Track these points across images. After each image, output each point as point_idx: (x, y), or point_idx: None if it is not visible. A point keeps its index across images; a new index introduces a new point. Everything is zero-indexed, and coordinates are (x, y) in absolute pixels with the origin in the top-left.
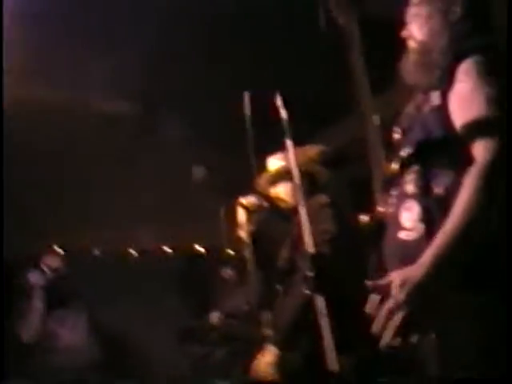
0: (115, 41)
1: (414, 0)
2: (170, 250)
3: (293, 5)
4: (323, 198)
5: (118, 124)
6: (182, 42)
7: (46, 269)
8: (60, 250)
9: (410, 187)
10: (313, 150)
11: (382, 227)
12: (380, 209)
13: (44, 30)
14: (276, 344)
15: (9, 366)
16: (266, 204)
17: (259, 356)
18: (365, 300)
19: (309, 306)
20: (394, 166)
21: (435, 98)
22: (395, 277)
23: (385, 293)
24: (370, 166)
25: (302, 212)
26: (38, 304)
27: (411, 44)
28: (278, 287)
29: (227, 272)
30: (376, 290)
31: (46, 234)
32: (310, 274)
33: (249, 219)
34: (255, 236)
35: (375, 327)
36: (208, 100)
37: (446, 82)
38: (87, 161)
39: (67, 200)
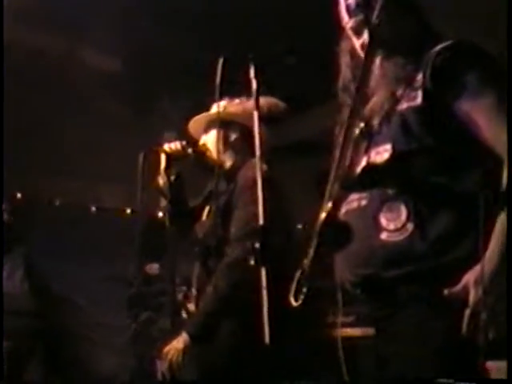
0: None
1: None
2: (128, 211)
3: None
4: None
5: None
6: None
7: None
8: (18, 194)
9: (391, 190)
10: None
11: (345, 226)
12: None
13: None
14: (188, 333)
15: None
16: (191, 152)
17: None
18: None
19: (231, 297)
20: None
21: (417, 97)
22: (469, 278)
23: (464, 295)
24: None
25: (259, 182)
26: None
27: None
28: (209, 264)
29: None
30: (454, 296)
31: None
32: (257, 245)
33: (169, 167)
34: (174, 188)
35: (465, 330)
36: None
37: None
38: (64, 110)
39: (39, 147)
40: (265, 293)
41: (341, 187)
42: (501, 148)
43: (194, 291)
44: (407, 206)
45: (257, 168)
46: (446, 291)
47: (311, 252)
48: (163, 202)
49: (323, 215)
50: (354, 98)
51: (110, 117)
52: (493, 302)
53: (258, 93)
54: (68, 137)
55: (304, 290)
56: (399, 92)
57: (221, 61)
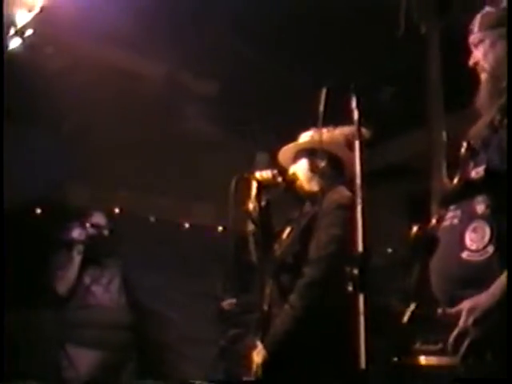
0: None
1: (475, 27)
2: (220, 228)
3: (371, 6)
4: (344, 193)
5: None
6: None
7: (88, 225)
8: (116, 209)
9: (480, 207)
10: (346, 131)
11: (434, 241)
12: (434, 222)
13: None
14: (266, 349)
15: (45, 316)
16: (281, 181)
17: (253, 353)
18: None
19: (306, 320)
20: (460, 182)
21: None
22: (465, 304)
23: (454, 319)
24: (430, 181)
25: (358, 208)
26: (76, 258)
27: (479, 71)
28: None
29: None
30: (446, 317)
31: (106, 191)
32: (356, 271)
33: (259, 193)
34: (263, 214)
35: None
36: None
37: None
38: (162, 131)
39: (137, 165)
40: (362, 319)
41: (440, 204)
42: None
43: (265, 307)
44: (491, 228)
45: (338, 200)
46: (439, 310)
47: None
48: (250, 226)
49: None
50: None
51: (204, 137)
52: (477, 335)
53: (360, 122)
54: (164, 156)
55: (412, 307)
56: (498, 119)
57: (324, 90)
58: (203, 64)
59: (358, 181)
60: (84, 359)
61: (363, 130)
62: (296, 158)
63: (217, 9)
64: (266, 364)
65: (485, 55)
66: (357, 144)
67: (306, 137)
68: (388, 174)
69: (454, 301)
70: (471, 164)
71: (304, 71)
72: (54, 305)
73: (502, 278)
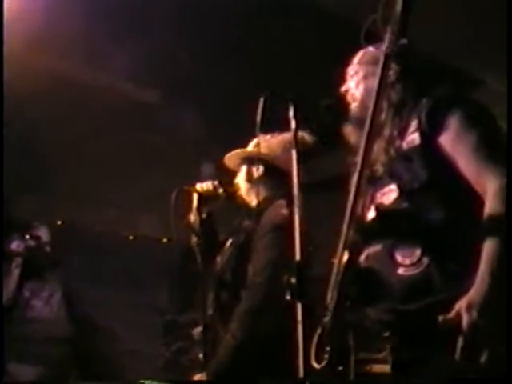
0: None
1: (355, 59)
2: (165, 240)
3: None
4: (280, 211)
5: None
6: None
7: (28, 237)
8: (58, 221)
9: (404, 226)
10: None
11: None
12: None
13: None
14: (208, 375)
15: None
16: (221, 192)
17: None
18: None
19: (248, 347)
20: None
21: (416, 139)
22: (461, 304)
23: (455, 322)
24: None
25: (296, 216)
26: (15, 271)
27: (349, 99)
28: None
29: None
30: (447, 322)
31: (50, 203)
32: (293, 280)
33: (200, 205)
34: (205, 225)
35: (457, 353)
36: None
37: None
38: (104, 140)
39: (79, 176)
40: (300, 327)
41: (356, 237)
42: (480, 187)
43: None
44: (420, 243)
45: (294, 204)
46: (440, 318)
47: (331, 308)
48: (193, 238)
49: (341, 267)
50: (364, 149)
51: (149, 148)
52: (486, 325)
53: (297, 131)
54: (107, 166)
55: (327, 349)
56: (395, 139)
57: (262, 99)
58: (146, 72)
59: (295, 190)
60: (26, 376)
61: (304, 136)
62: (240, 165)
63: (159, 15)
64: None
65: (357, 85)
66: (293, 153)
67: (250, 145)
68: (333, 186)
69: (399, 316)
70: (376, 188)
71: (248, 79)
72: None
73: (482, 269)
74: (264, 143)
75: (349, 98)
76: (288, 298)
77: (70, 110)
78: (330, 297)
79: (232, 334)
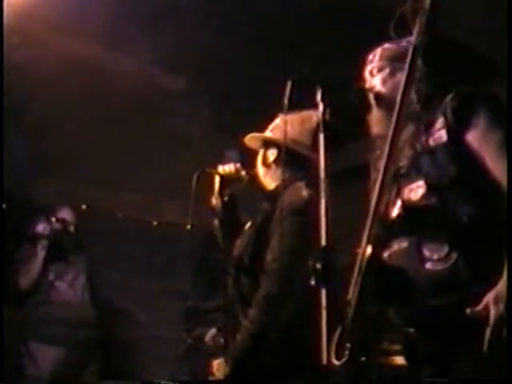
0: None
1: (372, 57)
2: (189, 226)
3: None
4: (300, 193)
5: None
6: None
7: (54, 220)
8: (83, 206)
9: (432, 222)
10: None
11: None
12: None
13: None
14: (227, 362)
15: (7, 312)
16: (244, 175)
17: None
18: None
19: (267, 335)
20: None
21: (443, 136)
22: (489, 297)
23: (483, 315)
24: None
25: (322, 201)
26: (40, 253)
27: (374, 96)
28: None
29: None
30: (475, 315)
31: (73, 187)
32: (318, 265)
33: (222, 188)
34: (227, 208)
35: (485, 346)
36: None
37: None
38: (130, 125)
39: (104, 161)
40: (324, 313)
41: (380, 232)
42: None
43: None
44: (448, 238)
45: (321, 189)
46: (468, 310)
47: (353, 303)
48: (215, 222)
49: (364, 262)
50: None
51: (174, 134)
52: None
53: (324, 115)
54: (133, 151)
55: (347, 345)
56: (422, 134)
57: (289, 83)
58: (172, 58)
59: (322, 174)
60: (46, 356)
61: (333, 121)
62: (259, 148)
63: (185, 2)
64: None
65: (383, 82)
66: (321, 137)
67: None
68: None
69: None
70: (402, 185)
71: (273, 65)
72: (16, 300)
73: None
74: (282, 126)
75: (373, 94)
76: (312, 283)
77: (94, 94)
78: (352, 292)
79: (250, 320)
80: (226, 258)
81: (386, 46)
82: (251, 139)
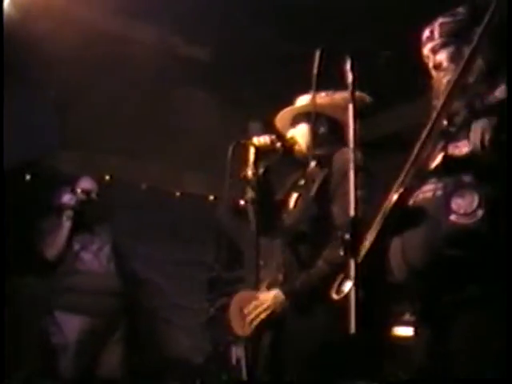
0: None
1: (429, 34)
2: (211, 197)
3: None
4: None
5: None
6: None
7: (79, 190)
8: (106, 176)
9: (467, 178)
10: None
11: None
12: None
13: None
14: (285, 295)
15: (33, 281)
16: (279, 146)
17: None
18: None
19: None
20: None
21: (500, 92)
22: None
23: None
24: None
25: (351, 172)
26: (65, 224)
27: (441, 72)
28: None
29: None
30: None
31: (97, 158)
32: (347, 236)
33: (257, 159)
34: (262, 180)
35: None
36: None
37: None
38: (153, 96)
39: (128, 132)
40: (352, 283)
41: (415, 176)
42: None
43: (280, 277)
44: (480, 194)
45: (350, 160)
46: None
47: (370, 238)
48: (249, 193)
49: (392, 201)
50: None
51: (197, 104)
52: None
53: (354, 86)
54: (156, 123)
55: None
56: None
57: (318, 52)
58: (195, 29)
59: (351, 145)
60: (72, 325)
61: (363, 95)
62: (294, 122)
63: None
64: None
65: (451, 58)
66: (350, 107)
67: (302, 100)
68: (388, 144)
69: (441, 261)
70: (449, 140)
71: (299, 36)
72: (42, 270)
73: None
74: (326, 98)
75: (441, 71)
76: (342, 254)
77: (115, 65)
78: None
79: (327, 260)
80: (258, 232)
81: (442, 20)
82: (286, 114)
